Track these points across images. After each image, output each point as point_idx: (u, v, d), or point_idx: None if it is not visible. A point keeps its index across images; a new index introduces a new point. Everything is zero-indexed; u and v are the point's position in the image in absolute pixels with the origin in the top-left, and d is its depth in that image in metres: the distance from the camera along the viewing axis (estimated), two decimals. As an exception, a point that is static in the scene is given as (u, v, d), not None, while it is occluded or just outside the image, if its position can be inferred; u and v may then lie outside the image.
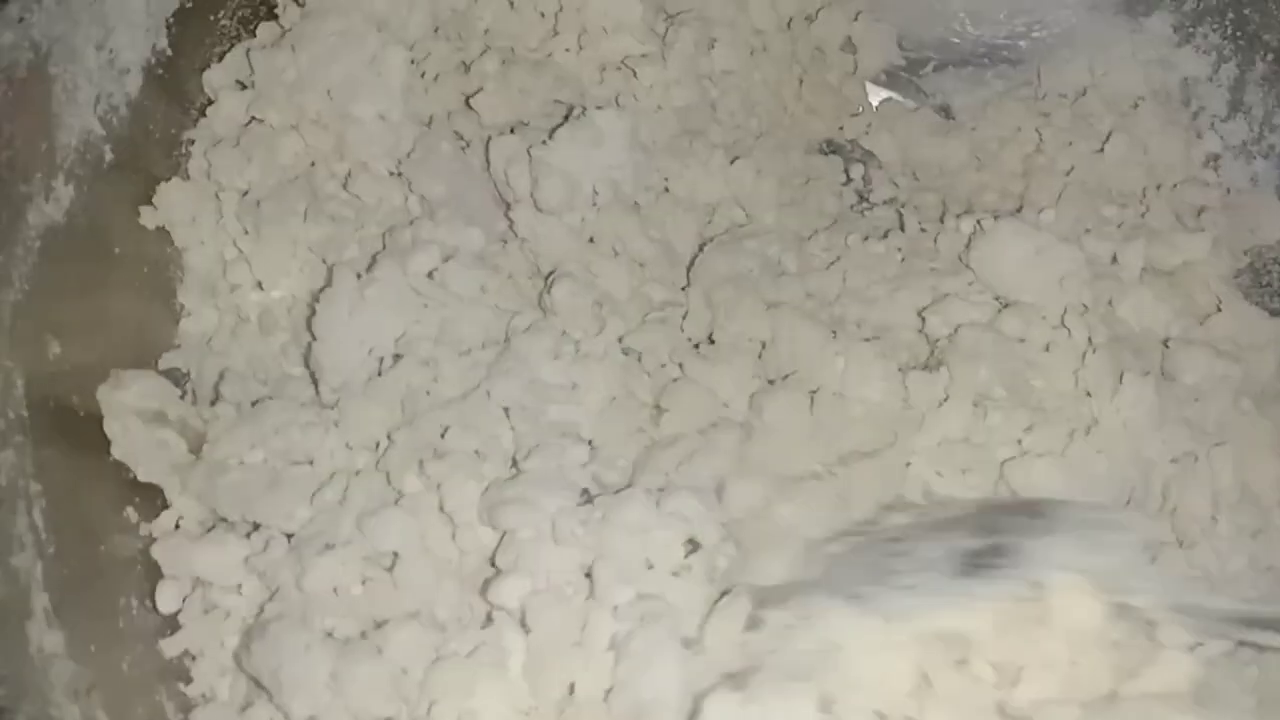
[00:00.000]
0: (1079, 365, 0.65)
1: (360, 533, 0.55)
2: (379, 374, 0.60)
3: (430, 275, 0.62)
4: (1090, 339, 0.67)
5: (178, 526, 0.61)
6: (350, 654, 0.53)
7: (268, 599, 0.56)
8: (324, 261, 0.66)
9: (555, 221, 0.67)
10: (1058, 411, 0.65)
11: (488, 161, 0.68)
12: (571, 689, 0.53)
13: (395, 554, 0.55)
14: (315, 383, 0.61)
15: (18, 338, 0.56)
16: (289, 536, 0.57)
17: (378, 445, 0.59)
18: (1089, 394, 0.65)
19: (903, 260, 0.75)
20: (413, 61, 0.70)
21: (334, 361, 0.60)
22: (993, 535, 0.56)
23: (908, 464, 0.64)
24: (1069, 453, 0.63)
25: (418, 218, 0.66)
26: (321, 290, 0.63)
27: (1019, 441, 0.63)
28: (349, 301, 0.61)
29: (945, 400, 0.65)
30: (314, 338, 0.61)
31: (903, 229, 0.78)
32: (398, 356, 0.60)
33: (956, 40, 0.89)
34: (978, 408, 0.64)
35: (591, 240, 0.68)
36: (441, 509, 0.56)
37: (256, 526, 0.58)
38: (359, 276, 0.62)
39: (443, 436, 0.57)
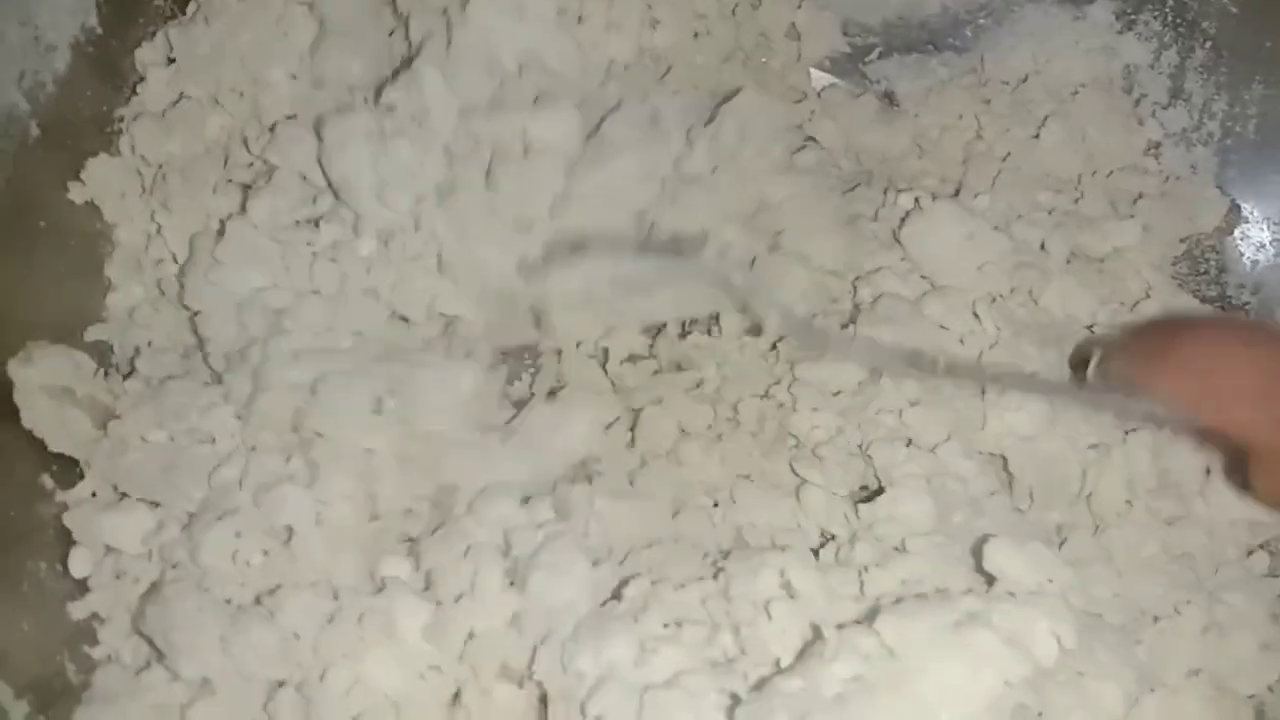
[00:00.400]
0: (976, 360, 0.66)
1: (256, 507, 0.56)
2: (253, 342, 0.61)
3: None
4: (998, 331, 0.67)
5: (94, 495, 0.62)
6: (242, 618, 0.54)
7: (169, 567, 0.57)
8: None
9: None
10: (951, 400, 0.65)
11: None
12: (471, 633, 0.54)
13: (290, 528, 0.56)
14: (205, 355, 0.62)
15: (-61, 313, 0.58)
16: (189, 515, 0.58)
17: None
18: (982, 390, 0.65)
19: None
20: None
21: (212, 330, 0.61)
22: None
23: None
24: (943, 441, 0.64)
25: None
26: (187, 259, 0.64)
27: (900, 413, 0.64)
28: (206, 263, 0.62)
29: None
30: (190, 310, 0.62)
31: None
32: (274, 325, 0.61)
33: (900, 27, 0.89)
34: (872, 372, 0.65)
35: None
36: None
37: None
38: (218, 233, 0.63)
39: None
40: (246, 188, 0.67)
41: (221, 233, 0.64)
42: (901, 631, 0.51)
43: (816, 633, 0.53)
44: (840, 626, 0.52)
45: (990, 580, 0.59)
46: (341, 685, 0.54)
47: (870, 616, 0.54)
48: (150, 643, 0.56)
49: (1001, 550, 0.59)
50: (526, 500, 0.58)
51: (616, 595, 0.55)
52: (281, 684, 0.55)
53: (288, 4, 0.69)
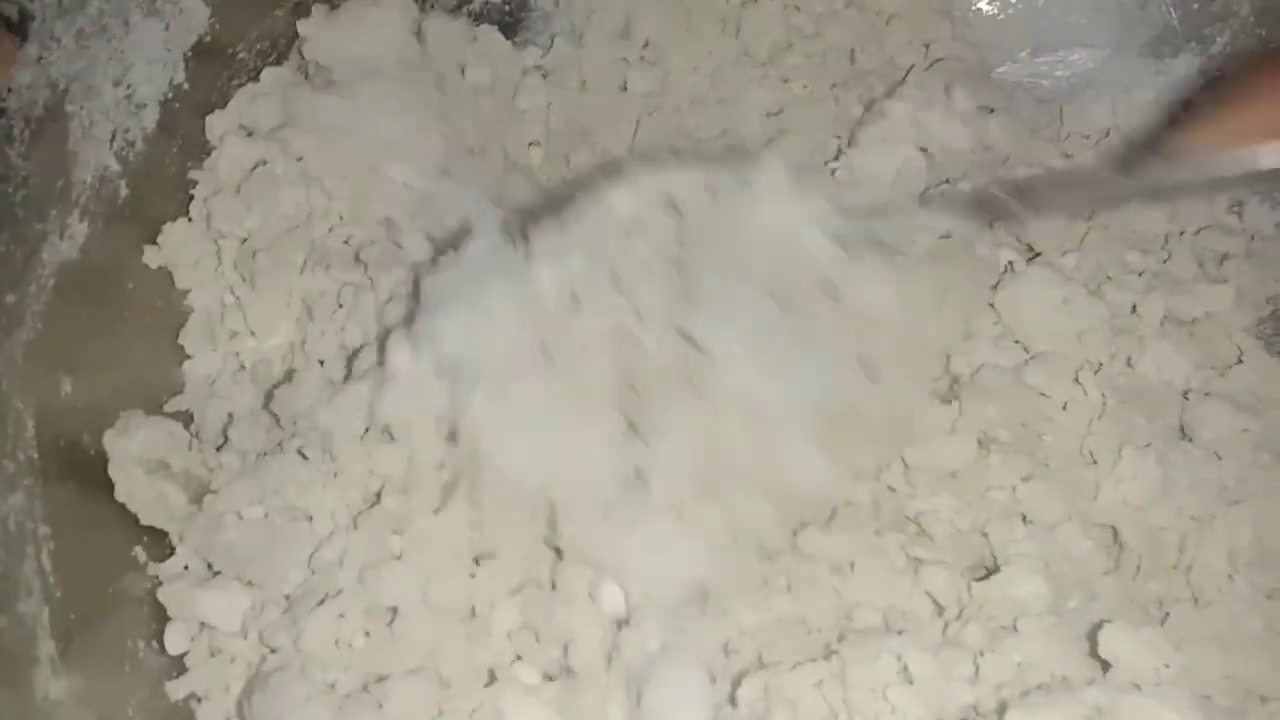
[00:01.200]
0: (1086, 430, 0.65)
1: (361, 586, 0.55)
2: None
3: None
4: (1104, 399, 0.66)
5: (187, 568, 0.60)
6: (350, 707, 0.52)
7: (270, 652, 0.56)
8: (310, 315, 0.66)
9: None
10: (1061, 471, 0.64)
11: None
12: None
13: (395, 609, 0.55)
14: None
15: (30, 377, 0.57)
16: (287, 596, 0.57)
17: (377, 497, 0.58)
18: (1094, 461, 0.64)
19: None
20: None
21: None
22: None
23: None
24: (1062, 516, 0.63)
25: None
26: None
27: (1013, 489, 0.63)
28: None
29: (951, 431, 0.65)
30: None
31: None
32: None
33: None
34: (981, 446, 0.64)
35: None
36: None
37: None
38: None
39: None
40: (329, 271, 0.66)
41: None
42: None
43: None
44: (965, 720, 0.51)
45: (1105, 665, 0.58)
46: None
47: (999, 710, 0.52)
48: (256, 730, 0.54)
49: (1117, 637, 0.58)
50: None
51: (733, 699, 0.54)
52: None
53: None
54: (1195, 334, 0.75)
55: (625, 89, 0.82)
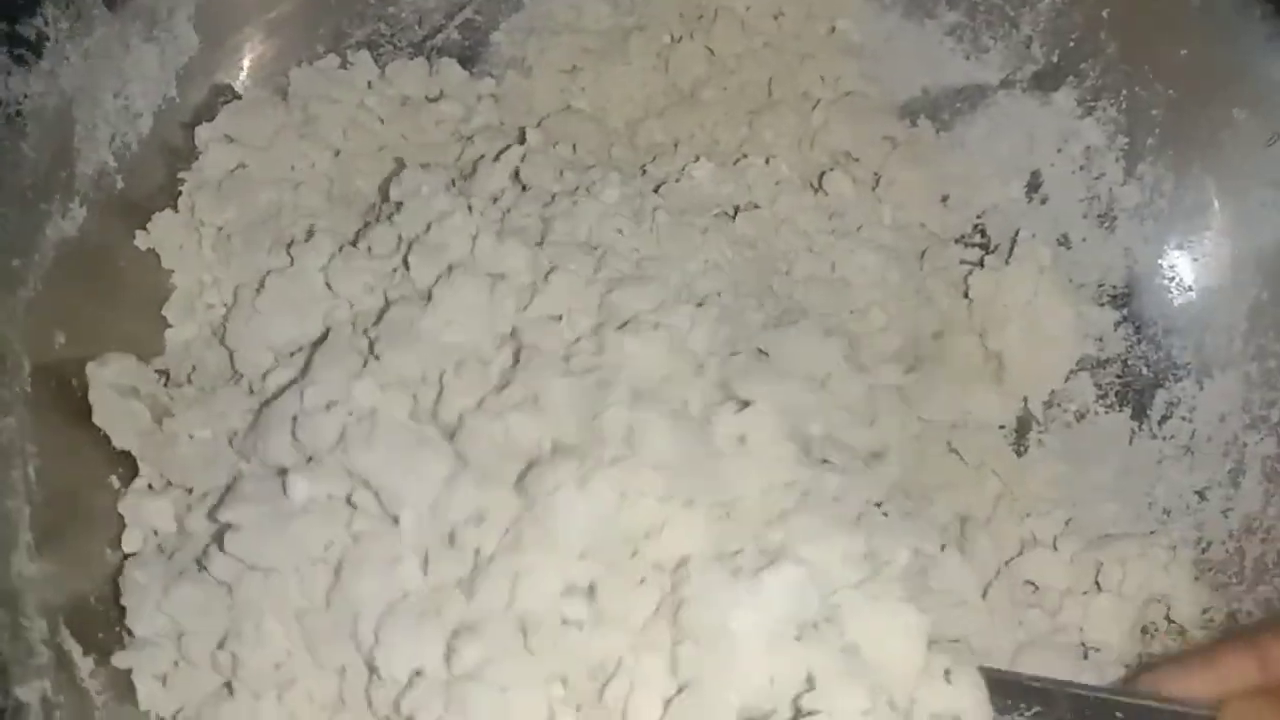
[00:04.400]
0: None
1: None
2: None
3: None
4: None
5: (151, 487, 0.72)
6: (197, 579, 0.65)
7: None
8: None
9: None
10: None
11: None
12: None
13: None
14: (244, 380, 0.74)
15: (29, 328, 0.69)
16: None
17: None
18: None
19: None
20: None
21: (249, 368, 0.73)
22: None
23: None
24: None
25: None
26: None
27: None
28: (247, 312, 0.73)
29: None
30: (229, 348, 0.73)
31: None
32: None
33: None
34: None
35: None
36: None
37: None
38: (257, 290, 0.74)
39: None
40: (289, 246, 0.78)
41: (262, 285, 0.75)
42: None
43: None
44: None
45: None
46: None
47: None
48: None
49: None
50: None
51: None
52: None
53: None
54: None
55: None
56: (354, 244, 0.76)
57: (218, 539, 0.64)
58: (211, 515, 0.65)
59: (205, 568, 0.64)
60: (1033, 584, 0.78)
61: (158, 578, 0.66)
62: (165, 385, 0.76)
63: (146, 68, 0.79)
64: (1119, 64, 0.91)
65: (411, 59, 0.91)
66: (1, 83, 0.69)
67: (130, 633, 0.66)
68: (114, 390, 0.71)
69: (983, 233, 0.94)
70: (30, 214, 0.70)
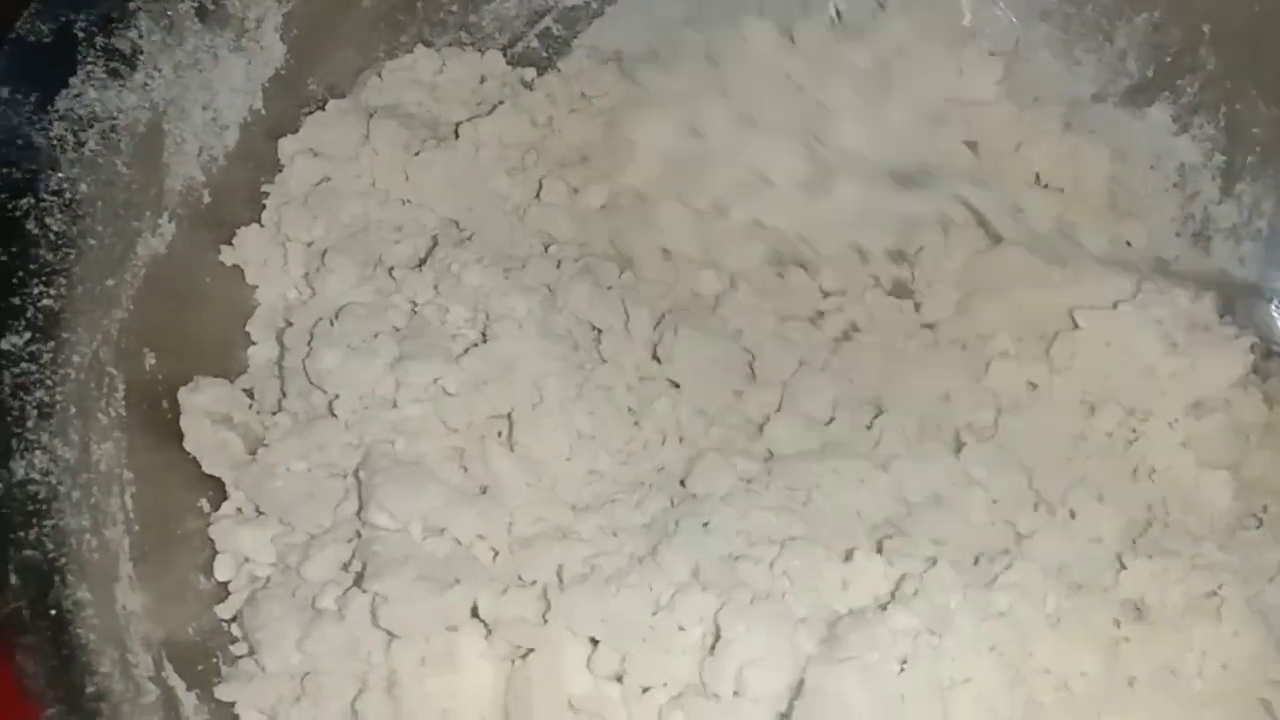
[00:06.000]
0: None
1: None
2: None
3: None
4: None
5: (239, 511, 0.71)
6: (319, 620, 0.63)
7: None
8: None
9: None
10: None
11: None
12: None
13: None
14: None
15: (122, 350, 0.68)
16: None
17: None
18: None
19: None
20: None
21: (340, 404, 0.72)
22: None
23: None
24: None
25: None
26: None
27: None
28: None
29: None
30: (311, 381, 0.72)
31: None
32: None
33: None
34: None
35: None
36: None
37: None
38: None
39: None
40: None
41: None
42: None
43: None
44: None
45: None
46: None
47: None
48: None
49: None
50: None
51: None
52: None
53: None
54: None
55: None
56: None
57: (356, 583, 0.63)
58: (358, 583, 0.64)
59: (344, 616, 0.62)
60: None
61: (290, 613, 0.64)
62: (255, 410, 0.74)
63: (234, 79, 0.77)
64: (1219, 80, 0.89)
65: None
66: (97, 98, 0.67)
67: (261, 666, 0.65)
68: (207, 417, 0.70)
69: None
70: (123, 232, 0.69)
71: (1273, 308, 0.82)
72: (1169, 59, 0.90)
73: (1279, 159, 0.87)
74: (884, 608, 0.61)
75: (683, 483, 0.71)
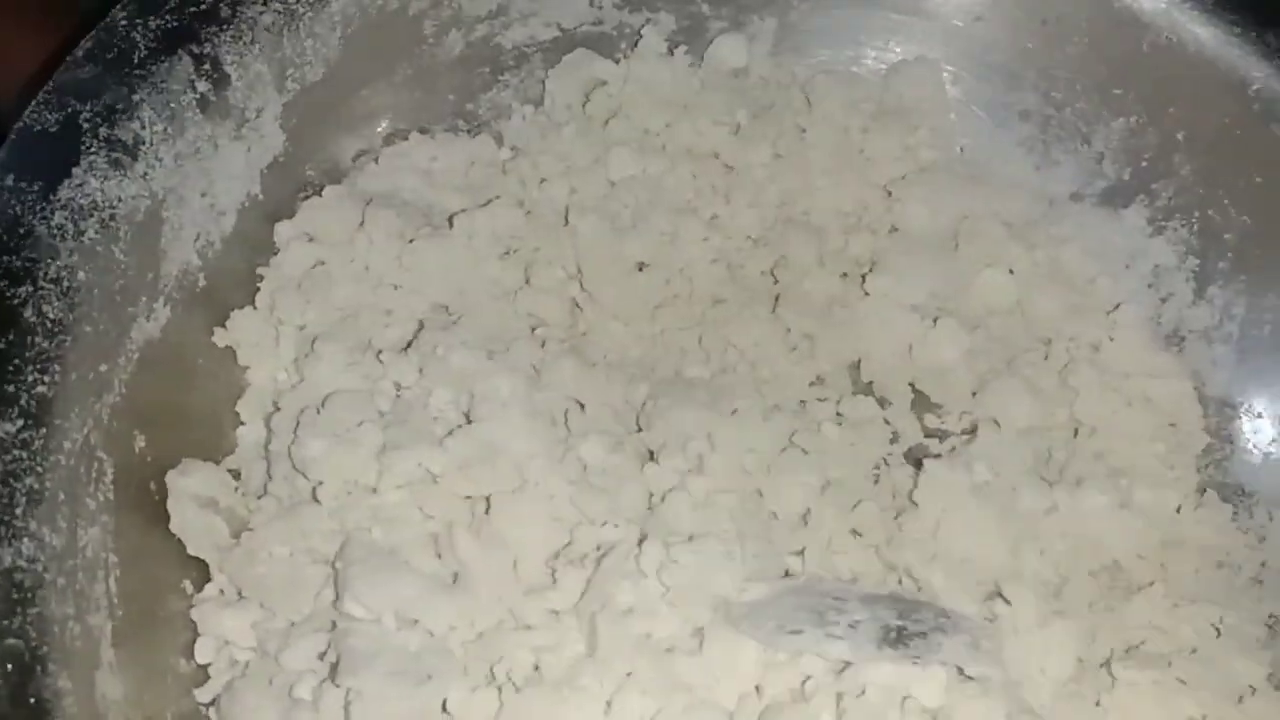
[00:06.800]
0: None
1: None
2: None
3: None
4: None
5: (222, 593, 0.72)
6: (296, 710, 0.64)
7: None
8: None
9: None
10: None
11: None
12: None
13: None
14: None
15: (113, 434, 0.69)
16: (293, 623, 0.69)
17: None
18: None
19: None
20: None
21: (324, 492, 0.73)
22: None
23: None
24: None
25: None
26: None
27: None
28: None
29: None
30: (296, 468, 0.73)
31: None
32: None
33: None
34: None
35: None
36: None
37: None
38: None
39: None
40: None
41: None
42: None
43: None
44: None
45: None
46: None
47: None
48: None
49: None
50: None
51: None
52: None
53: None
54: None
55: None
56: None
57: (331, 675, 0.64)
58: (332, 677, 0.65)
59: (319, 709, 0.63)
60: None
61: (267, 702, 0.65)
62: (240, 493, 0.75)
63: (233, 167, 0.79)
64: (1192, 186, 0.91)
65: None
66: (99, 187, 0.69)
67: None
68: (193, 501, 0.71)
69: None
70: (119, 317, 0.70)
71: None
72: (1144, 163, 0.93)
73: (1250, 265, 0.89)
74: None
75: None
